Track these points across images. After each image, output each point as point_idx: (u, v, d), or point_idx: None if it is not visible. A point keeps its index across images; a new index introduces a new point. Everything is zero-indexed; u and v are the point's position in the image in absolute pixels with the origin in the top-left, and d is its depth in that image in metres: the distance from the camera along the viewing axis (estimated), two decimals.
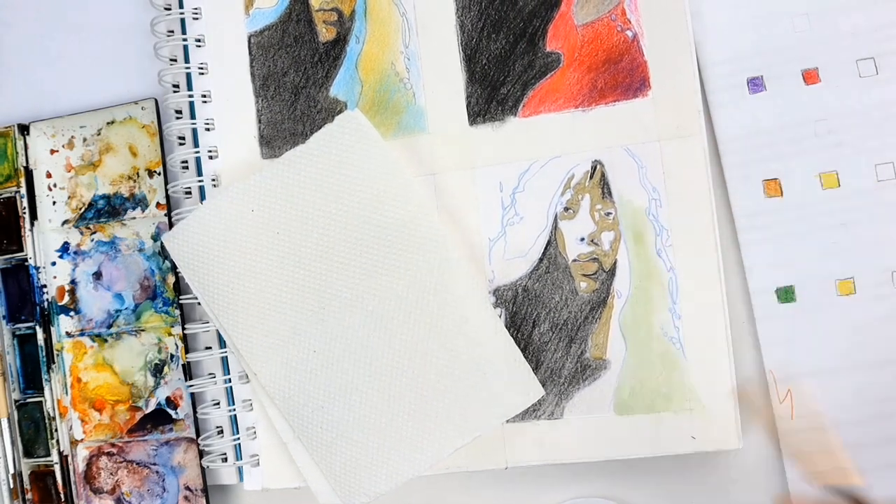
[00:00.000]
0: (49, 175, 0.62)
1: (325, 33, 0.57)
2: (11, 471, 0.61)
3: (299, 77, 0.58)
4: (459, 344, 0.54)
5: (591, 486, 0.56)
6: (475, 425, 0.54)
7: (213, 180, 0.58)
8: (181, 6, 0.59)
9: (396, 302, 0.55)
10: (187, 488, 0.60)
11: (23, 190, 0.62)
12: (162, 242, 0.58)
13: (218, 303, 0.56)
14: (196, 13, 0.59)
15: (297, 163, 0.55)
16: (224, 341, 0.58)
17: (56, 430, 0.61)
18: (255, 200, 0.56)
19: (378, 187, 0.55)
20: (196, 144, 0.59)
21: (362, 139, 0.55)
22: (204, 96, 0.59)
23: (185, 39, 0.59)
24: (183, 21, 0.59)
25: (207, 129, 0.59)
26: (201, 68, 0.59)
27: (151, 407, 0.61)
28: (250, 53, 0.58)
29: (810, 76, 0.53)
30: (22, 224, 0.62)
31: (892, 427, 0.51)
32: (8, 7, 0.65)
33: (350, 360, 0.55)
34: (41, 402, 0.61)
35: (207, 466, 0.59)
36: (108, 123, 0.61)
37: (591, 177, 0.54)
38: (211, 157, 0.59)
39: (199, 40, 0.59)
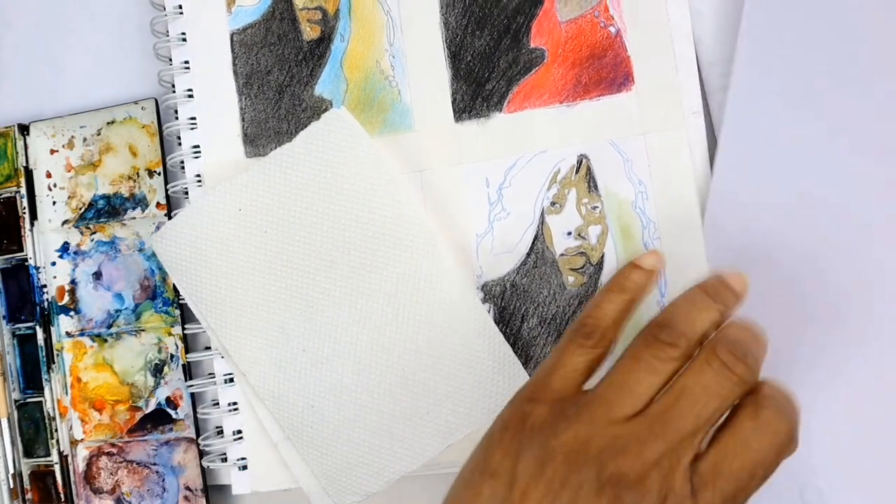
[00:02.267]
0: (49, 175, 0.63)
1: (310, 32, 0.58)
2: (11, 471, 0.61)
3: (283, 75, 0.58)
4: (447, 340, 0.54)
5: None
6: (465, 421, 0.54)
7: (198, 179, 0.59)
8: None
9: (385, 299, 0.55)
10: (187, 488, 0.60)
11: (23, 190, 0.62)
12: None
13: (206, 303, 0.57)
14: (179, 10, 0.59)
15: (284, 161, 0.55)
16: None
17: (56, 430, 0.61)
18: (242, 199, 0.56)
19: (365, 185, 0.55)
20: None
21: (348, 137, 0.55)
22: (188, 94, 0.59)
23: (158, 34, 0.59)
24: None
25: (192, 129, 0.59)
26: (185, 66, 0.59)
27: (151, 407, 0.61)
28: (233, 51, 0.59)
29: None
30: (22, 224, 0.62)
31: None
32: (8, 7, 0.65)
33: (339, 359, 0.55)
34: (41, 402, 0.61)
35: (207, 466, 0.59)
36: (108, 123, 0.62)
37: (577, 171, 0.53)
38: (196, 157, 0.59)
39: (181, 37, 0.59)
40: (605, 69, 0.53)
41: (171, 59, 0.60)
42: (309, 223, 0.55)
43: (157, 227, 0.61)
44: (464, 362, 0.54)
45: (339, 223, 0.55)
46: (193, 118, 0.59)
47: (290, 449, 0.57)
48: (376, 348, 0.55)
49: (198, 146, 0.59)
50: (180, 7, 0.59)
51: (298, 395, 0.56)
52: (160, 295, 0.61)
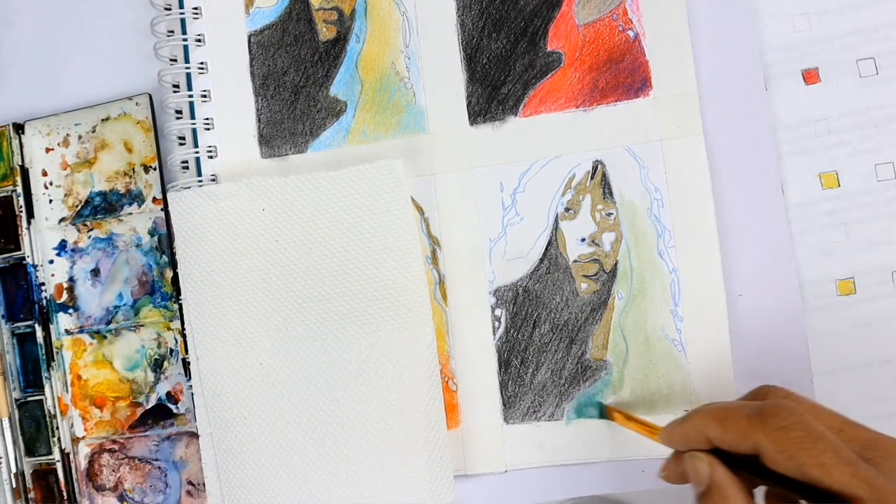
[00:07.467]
0: (45, 173, 0.62)
1: (326, 32, 0.57)
2: (14, 470, 0.61)
3: (299, 76, 0.57)
4: (396, 422, 0.54)
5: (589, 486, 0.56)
6: (375, 500, 0.54)
7: (213, 179, 0.58)
8: (181, 6, 0.59)
9: (356, 355, 0.55)
10: (190, 483, 0.60)
11: (19, 189, 0.61)
12: (167, 198, 0.58)
13: (194, 276, 0.57)
14: (196, 12, 0.59)
15: (323, 186, 0.55)
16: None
17: (57, 428, 0.61)
18: (270, 201, 0.56)
19: (385, 242, 0.55)
20: (196, 144, 0.59)
21: (393, 190, 0.55)
22: (203, 95, 0.58)
23: (185, 39, 0.59)
24: (183, 21, 0.59)
25: (207, 129, 0.59)
26: (201, 67, 0.59)
27: (152, 402, 0.61)
28: (250, 52, 0.58)
29: (810, 76, 0.53)
30: (19, 223, 0.61)
31: (892, 427, 0.52)
32: (9, 7, 0.64)
33: (288, 389, 0.55)
34: (42, 400, 0.61)
35: None
36: (102, 120, 0.61)
37: (593, 177, 0.54)
38: (210, 157, 0.58)
39: (199, 39, 0.59)
40: (623, 74, 0.53)
41: (171, 60, 0.59)
42: (319, 252, 0.55)
43: (154, 222, 0.60)
44: (401, 448, 0.54)
45: (347, 265, 0.55)
46: (209, 119, 0.59)
47: (210, 445, 0.57)
48: (326, 396, 0.55)
49: (213, 146, 0.58)
50: (198, 9, 0.59)
51: (237, 402, 0.56)
52: (158, 290, 0.61)
